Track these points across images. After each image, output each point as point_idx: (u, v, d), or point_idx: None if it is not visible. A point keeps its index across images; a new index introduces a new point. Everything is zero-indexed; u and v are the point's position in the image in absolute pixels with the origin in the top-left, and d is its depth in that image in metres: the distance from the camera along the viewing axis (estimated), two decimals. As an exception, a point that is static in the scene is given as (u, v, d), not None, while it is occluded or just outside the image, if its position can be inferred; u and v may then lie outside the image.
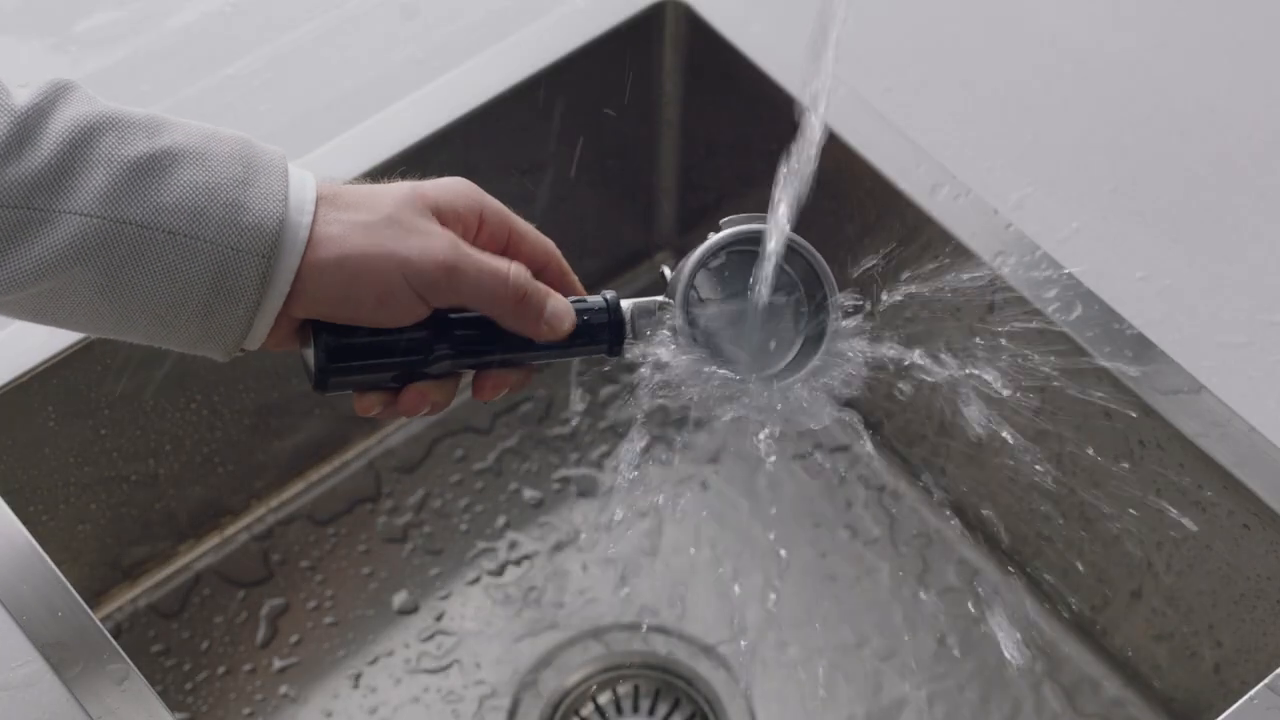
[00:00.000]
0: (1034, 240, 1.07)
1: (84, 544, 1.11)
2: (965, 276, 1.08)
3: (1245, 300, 1.05)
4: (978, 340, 1.11)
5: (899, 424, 1.20)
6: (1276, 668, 0.94)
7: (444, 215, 0.83)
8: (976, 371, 1.12)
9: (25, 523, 0.95)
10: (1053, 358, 1.06)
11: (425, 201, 0.83)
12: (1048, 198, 1.09)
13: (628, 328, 0.87)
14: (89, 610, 0.92)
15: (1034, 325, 1.05)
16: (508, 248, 0.86)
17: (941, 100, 1.13)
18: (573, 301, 0.86)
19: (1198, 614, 1.07)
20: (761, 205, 1.21)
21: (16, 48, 1.14)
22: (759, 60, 1.13)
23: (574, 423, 1.25)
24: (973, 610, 1.17)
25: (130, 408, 1.08)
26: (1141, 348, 1.03)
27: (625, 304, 0.87)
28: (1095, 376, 1.03)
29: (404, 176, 1.10)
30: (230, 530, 1.18)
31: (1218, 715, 0.92)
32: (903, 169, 1.09)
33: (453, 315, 0.84)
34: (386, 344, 0.83)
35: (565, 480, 1.22)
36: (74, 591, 0.92)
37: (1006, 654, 1.15)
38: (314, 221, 0.80)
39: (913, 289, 1.13)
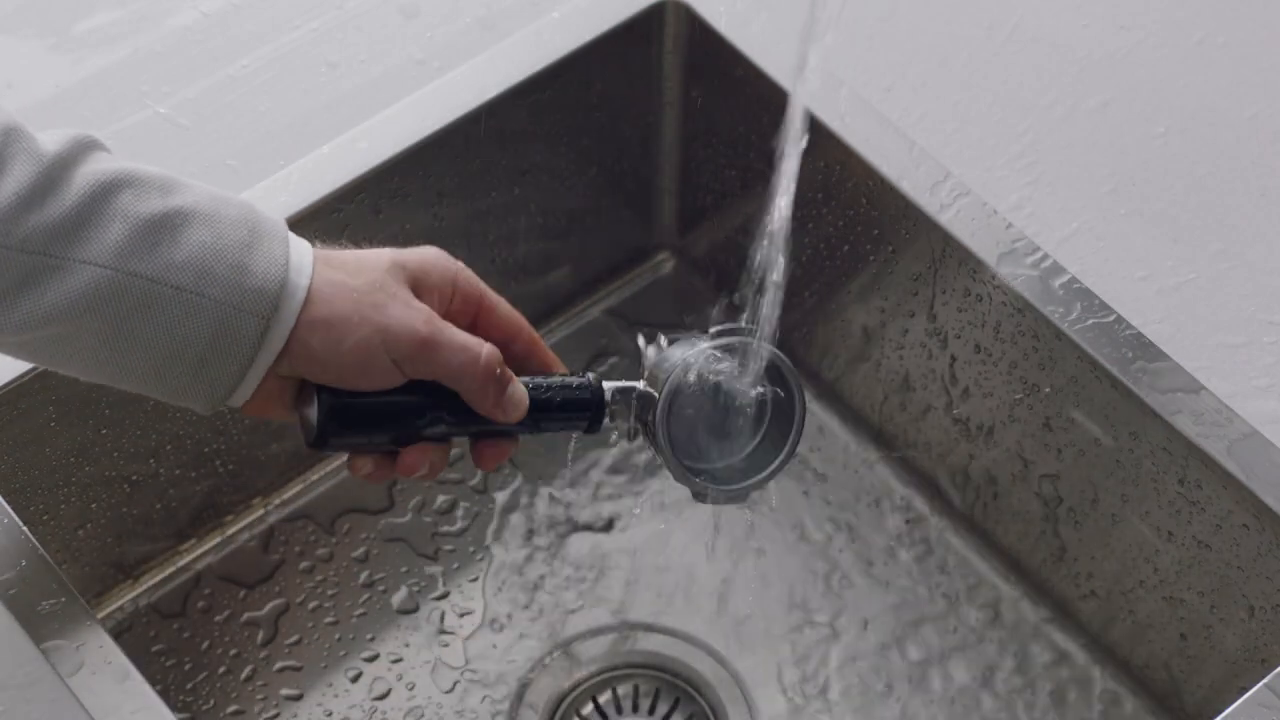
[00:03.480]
0: (1034, 240, 1.07)
1: (84, 544, 1.11)
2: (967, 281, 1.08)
3: (1245, 300, 1.05)
4: (978, 341, 1.11)
5: (877, 403, 1.21)
6: (1276, 668, 0.94)
7: (420, 287, 0.87)
8: (976, 369, 1.12)
9: (25, 523, 0.95)
10: (1053, 358, 1.06)
11: (405, 273, 0.87)
12: (1048, 198, 1.09)
13: (606, 408, 0.92)
14: (89, 610, 0.92)
15: (1034, 326, 1.05)
16: (479, 317, 0.90)
17: (941, 100, 1.13)
18: (560, 380, 0.91)
19: (1197, 614, 1.07)
20: (759, 205, 1.22)
21: (16, 48, 1.14)
22: (759, 60, 1.13)
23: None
24: (977, 614, 1.17)
25: (130, 408, 1.08)
26: (1141, 348, 1.03)
27: (605, 386, 0.92)
28: (1095, 377, 1.04)
29: (402, 181, 1.11)
30: (231, 530, 1.18)
31: (1217, 715, 0.92)
32: (903, 169, 1.09)
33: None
34: (385, 407, 0.87)
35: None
36: (74, 591, 0.92)
37: (1005, 654, 1.16)
38: (310, 282, 0.84)
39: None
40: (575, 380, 0.91)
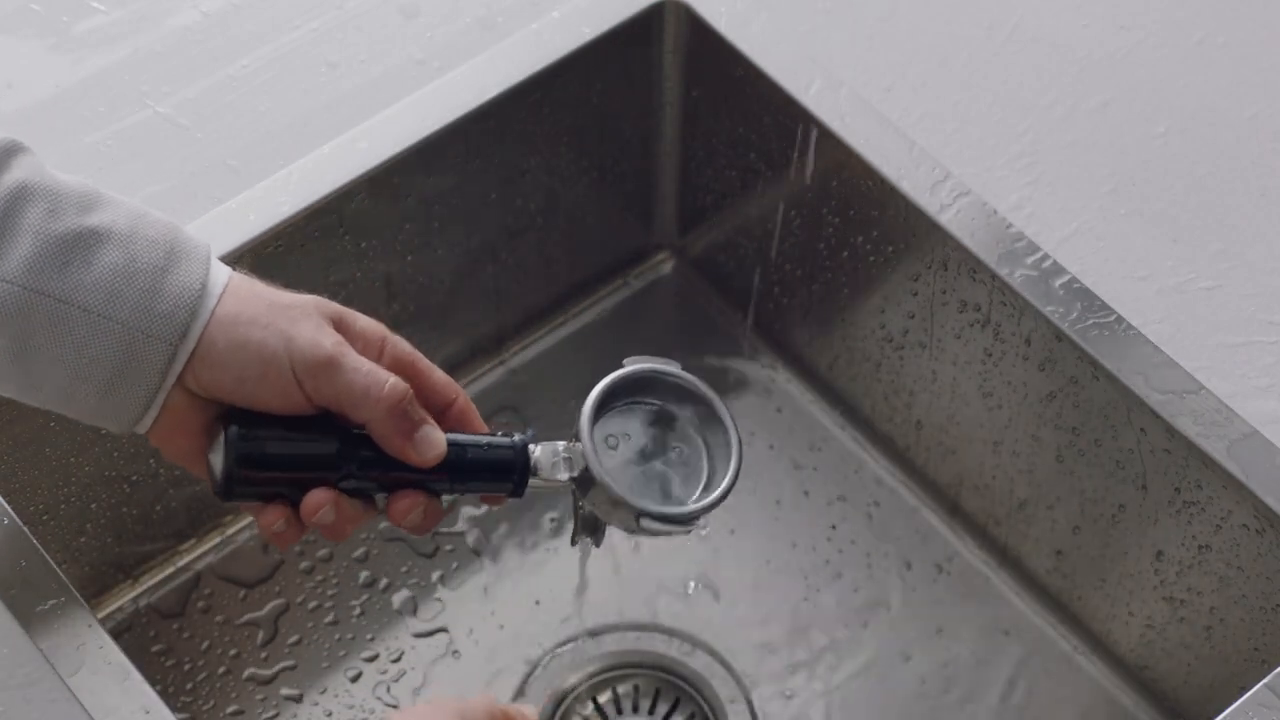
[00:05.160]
0: (1034, 240, 1.07)
1: (84, 544, 1.11)
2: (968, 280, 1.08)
3: (1245, 300, 1.05)
4: (978, 341, 1.11)
5: (877, 405, 1.21)
6: (1276, 667, 0.94)
7: (345, 328, 0.86)
8: (976, 370, 1.12)
9: (25, 523, 0.95)
10: (1053, 358, 1.06)
11: (329, 310, 0.85)
12: (1048, 198, 1.09)
13: (533, 470, 0.88)
14: (89, 610, 0.92)
15: (1034, 326, 1.05)
16: (410, 379, 0.87)
17: (941, 100, 1.13)
18: (486, 440, 0.88)
19: (1197, 614, 1.07)
20: (760, 205, 1.22)
21: (16, 48, 1.14)
22: (759, 60, 1.13)
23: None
24: (978, 615, 1.17)
25: (130, 408, 1.08)
26: (1141, 347, 1.03)
27: (533, 448, 0.88)
28: (1094, 377, 1.04)
29: (402, 181, 1.11)
30: (231, 530, 1.18)
31: (1218, 715, 0.92)
32: (903, 169, 1.09)
33: (359, 432, 0.85)
34: (295, 449, 0.84)
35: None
36: (74, 591, 0.92)
37: (1005, 656, 1.16)
38: (219, 300, 0.83)
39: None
40: (503, 439, 0.88)
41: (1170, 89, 1.14)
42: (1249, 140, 1.12)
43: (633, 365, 0.90)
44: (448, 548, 1.19)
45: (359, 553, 1.18)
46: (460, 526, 1.20)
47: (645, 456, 0.89)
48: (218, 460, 0.84)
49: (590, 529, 0.91)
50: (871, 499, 1.21)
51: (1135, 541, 1.08)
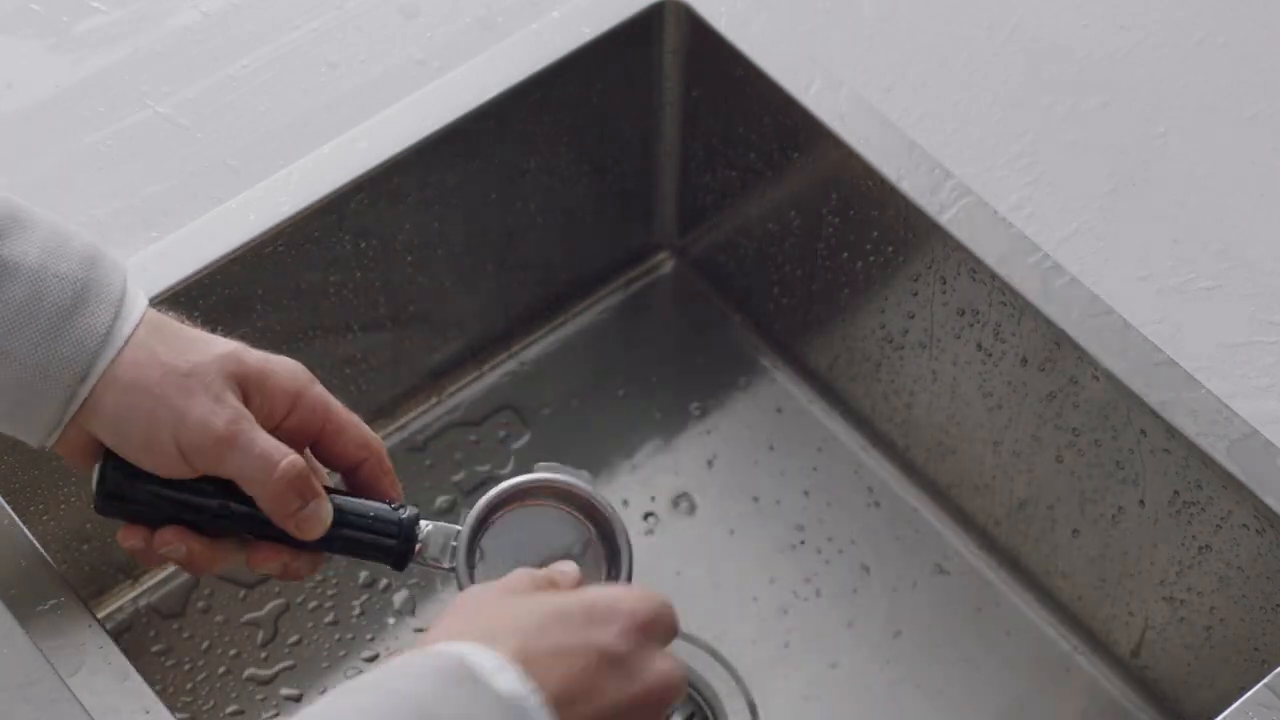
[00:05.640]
0: (1034, 240, 1.07)
1: (84, 544, 1.11)
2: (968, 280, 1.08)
3: (1245, 300, 1.05)
4: (978, 341, 1.11)
5: (877, 405, 1.21)
6: (1276, 668, 0.94)
7: (251, 390, 0.85)
8: (976, 370, 1.12)
9: (25, 523, 0.95)
10: (1052, 359, 1.06)
11: (239, 370, 0.84)
12: (1048, 198, 1.09)
13: (418, 548, 0.88)
14: (89, 610, 0.92)
15: (1034, 326, 1.05)
16: (322, 438, 0.87)
17: (941, 100, 1.13)
18: (373, 512, 0.87)
19: (1197, 614, 1.07)
20: (760, 205, 1.22)
21: (16, 48, 1.14)
22: (759, 60, 1.13)
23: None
24: (979, 615, 1.17)
25: (130, 408, 1.08)
26: (1141, 347, 1.03)
27: (425, 526, 0.88)
28: (1094, 377, 1.03)
29: (402, 181, 1.11)
30: (230, 530, 1.18)
31: (1217, 715, 0.92)
32: (903, 169, 1.09)
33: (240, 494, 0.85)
34: (169, 495, 0.85)
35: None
36: (74, 591, 0.92)
37: (1005, 656, 1.15)
38: (125, 344, 0.82)
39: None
40: (389, 512, 0.88)
41: (1170, 89, 1.14)
42: (1249, 140, 1.12)
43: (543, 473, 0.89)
44: (448, 548, 1.19)
45: (359, 553, 1.18)
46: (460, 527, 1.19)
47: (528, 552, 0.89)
48: (94, 479, 0.86)
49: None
50: (871, 499, 1.21)
51: (1135, 541, 1.08)
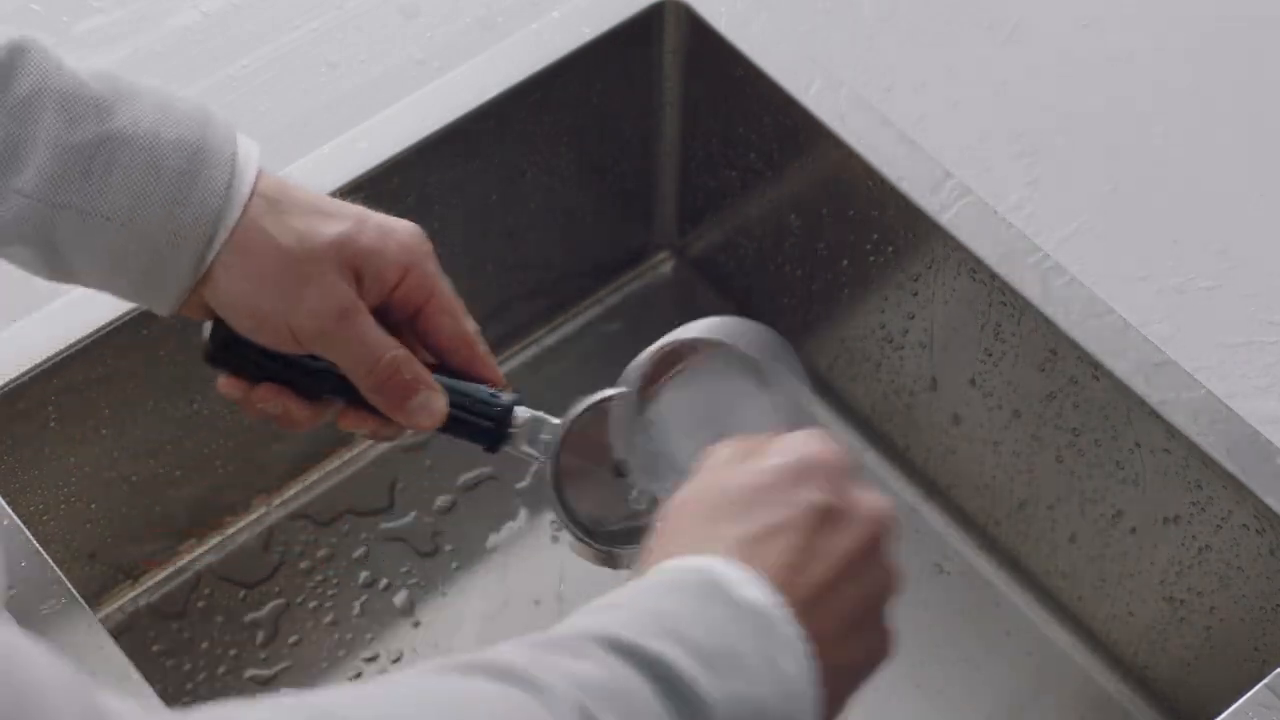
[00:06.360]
0: (1034, 240, 1.07)
1: (84, 544, 1.11)
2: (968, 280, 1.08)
3: (1245, 300, 1.05)
4: (978, 341, 1.11)
5: (877, 405, 1.21)
6: (1276, 668, 0.94)
7: (363, 269, 0.85)
8: (976, 370, 1.12)
9: (25, 523, 0.95)
10: (1052, 359, 1.06)
11: (352, 256, 0.84)
12: (1048, 198, 1.09)
13: (511, 435, 0.89)
14: (89, 610, 0.92)
15: (1034, 326, 1.05)
16: (422, 312, 0.87)
17: (941, 100, 1.13)
18: (473, 392, 0.88)
19: (1197, 614, 1.07)
20: (760, 205, 1.22)
21: (17, 48, 1.14)
22: (759, 60, 1.13)
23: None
24: (979, 616, 1.17)
25: (130, 408, 1.08)
26: (1141, 347, 1.03)
27: (523, 413, 0.89)
28: (1094, 377, 1.03)
29: (402, 181, 1.11)
30: (230, 530, 1.18)
31: (1217, 715, 0.92)
32: (903, 169, 1.09)
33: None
34: (281, 363, 0.86)
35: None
36: (74, 591, 0.92)
37: (1006, 656, 1.15)
38: (242, 215, 0.82)
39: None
40: (489, 395, 0.89)
41: (1170, 89, 1.14)
42: (1249, 140, 1.12)
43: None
44: (448, 547, 1.19)
45: (359, 553, 1.18)
46: (461, 527, 1.20)
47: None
48: (206, 334, 0.86)
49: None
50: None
51: (1135, 542, 1.08)
